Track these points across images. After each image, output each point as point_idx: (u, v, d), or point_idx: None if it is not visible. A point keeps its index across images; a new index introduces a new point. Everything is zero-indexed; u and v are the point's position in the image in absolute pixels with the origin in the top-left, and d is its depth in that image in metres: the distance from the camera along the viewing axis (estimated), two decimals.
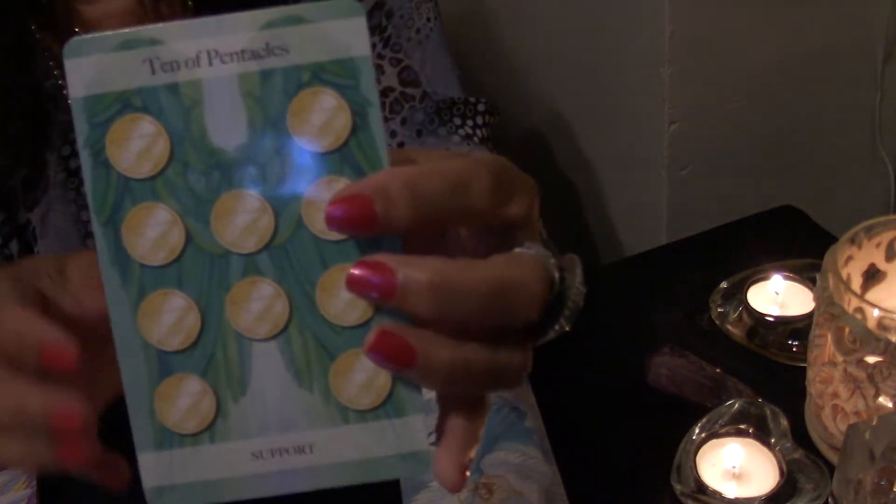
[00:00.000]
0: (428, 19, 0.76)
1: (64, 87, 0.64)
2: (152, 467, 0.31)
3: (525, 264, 0.31)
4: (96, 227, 0.30)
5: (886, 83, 1.07)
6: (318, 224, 0.30)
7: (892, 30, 1.04)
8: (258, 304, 0.30)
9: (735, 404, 0.61)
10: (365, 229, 0.29)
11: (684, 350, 0.67)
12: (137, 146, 0.30)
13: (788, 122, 1.06)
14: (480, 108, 0.77)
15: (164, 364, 0.31)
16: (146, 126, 0.30)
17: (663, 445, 0.60)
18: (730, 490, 0.56)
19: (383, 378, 0.30)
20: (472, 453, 0.32)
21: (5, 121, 0.62)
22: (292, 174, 0.30)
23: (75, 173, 0.63)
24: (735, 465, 0.58)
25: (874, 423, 0.50)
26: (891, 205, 1.13)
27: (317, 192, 0.30)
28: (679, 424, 0.61)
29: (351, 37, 0.29)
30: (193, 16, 0.65)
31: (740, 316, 0.73)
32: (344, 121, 0.30)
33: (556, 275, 0.32)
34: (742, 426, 0.59)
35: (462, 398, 0.32)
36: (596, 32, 1.09)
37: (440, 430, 0.32)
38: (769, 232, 0.86)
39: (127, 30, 0.30)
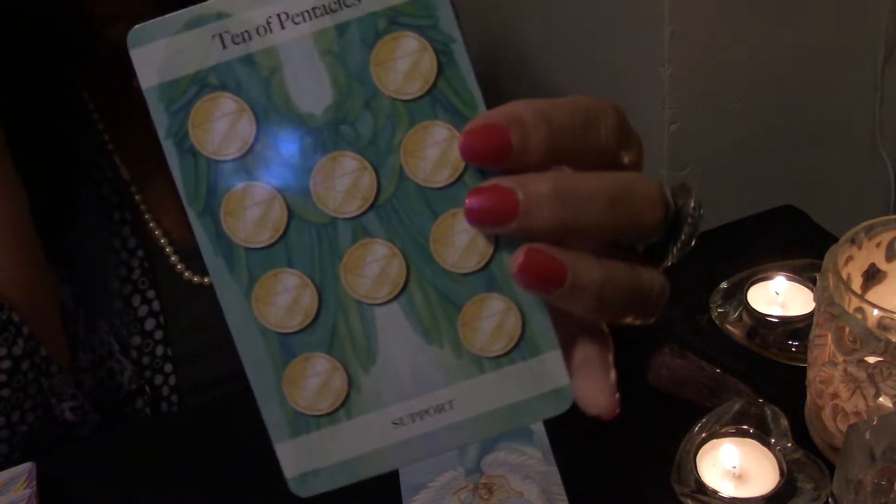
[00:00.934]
0: None
1: (93, 110, 0.64)
2: (292, 456, 0.30)
3: (639, 174, 0.30)
4: (193, 219, 0.29)
5: (886, 83, 1.07)
6: (420, 173, 0.29)
7: (892, 30, 1.04)
8: (373, 266, 0.29)
9: (735, 404, 0.61)
10: (499, 161, 0.28)
11: (684, 350, 0.67)
12: (222, 126, 0.29)
13: (788, 123, 1.06)
14: None
15: (287, 347, 0.30)
16: (227, 104, 0.29)
17: (663, 445, 0.60)
18: (730, 490, 0.56)
19: (513, 320, 0.29)
20: (614, 377, 0.30)
21: (42, 151, 0.62)
22: (386, 126, 0.29)
23: (106, 199, 0.63)
24: (735, 465, 0.57)
25: (874, 423, 0.50)
26: (891, 205, 1.13)
27: (414, 140, 0.29)
28: (679, 424, 0.61)
29: None
30: None
31: (740, 316, 0.72)
32: (429, 62, 0.28)
33: (670, 196, 0.31)
34: (742, 426, 0.59)
35: (587, 332, 0.31)
36: (595, 32, 1.09)
37: (573, 368, 0.30)
38: (769, 232, 0.85)
39: (190, 8, 0.28)
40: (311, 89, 0.29)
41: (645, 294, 0.30)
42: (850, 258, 0.59)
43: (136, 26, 0.28)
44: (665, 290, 0.31)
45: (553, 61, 1.22)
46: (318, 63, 0.29)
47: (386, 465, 0.30)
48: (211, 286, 0.30)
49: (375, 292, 0.29)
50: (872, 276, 0.61)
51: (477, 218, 0.28)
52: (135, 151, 0.66)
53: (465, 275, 0.29)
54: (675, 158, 1.02)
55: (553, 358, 0.30)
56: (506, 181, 0.28)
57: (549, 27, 1.19)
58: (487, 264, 0.29)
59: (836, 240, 0.59)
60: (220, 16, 0.28)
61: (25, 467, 0.61)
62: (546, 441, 0.61)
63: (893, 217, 0.60)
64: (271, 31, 0.28)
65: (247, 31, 0.28)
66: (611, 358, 0.31)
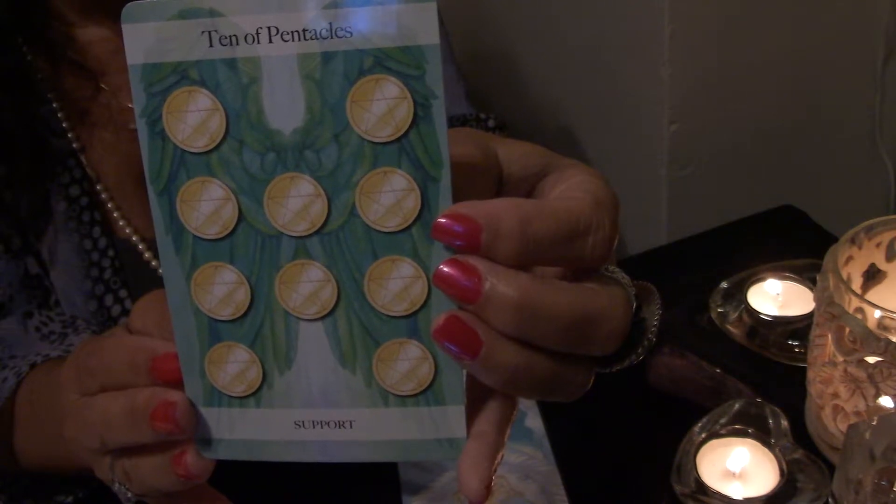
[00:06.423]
0: None
1: (59, 110, 0.64)
2: (201, 421, 0.32)
3: (613, 296, 0.30)
4: (152, 197, 0.31)
5: (886, 83, 1.07)
6: (370, 214, 0.29)
7: (892, 30, 1.04)
8: (307, 286, 0.30)
9: (735, 404, 0.61)
10: (466, 252, 0.29)
11: (684, 350, 0.67)
12: (194, 119, 0.30)
13: (788, 122, 1.06)
14: (491, 123, 0.77)
15: (215, 331, 0.32)
16: (203, 100, 0.29)
17: (663, 445, 0.60)
18: (730, 490, 0.56)
19: (426, 368, 0.30)
20: (498, 460, 0.31)
21: (12, 154, 0.62)
22: (348, 162, 0.29)
23: (76, 201, 0.63)
24: (735, 465, 0.57)
25: (874, 423, 0.50)
26: (891, 205, 1.13)
27: (372, 182, 0.29)
28: (679, 424, 0.61)
29: (420, 24, 0.28)
30: None
31: (740, 316, 0.72)
32: (405, 112, 0.29)
33: (635, 304, 0.31)
34: (742, 426, 0.59)
35: (495, 402, 0.31)
36: (596, 32, 1.09)
37: (469, 433, 0.31)
38: (769, 232, 0.86)
39: None
40: (285, 108, 0.29)
41: (561, 385, 0.30)
42: (850, 258, 0.59)
43: (132, 2, 0.29)
44: (587, 384, 0.31)
45: (553, 61, 1.22)
46: (297, 84, 0.29)
47: (282, 456, 0.32)
48: None
49: (304, 309, 0.31)
50: (872, 276, 0.61)
51: (441, 285, 0.29)
52: (101, 151, 0.66)
53: (391, 317, 0.30)
54: (675, 158, 1.02)
55: (456, 411, 0.31)
56: (483, 267, 0.28)
57: (550, 27, 1.19)
58: (415, 313, 0.30)
59: (836, 240, 0.59)
60: (212, 13, 0.29)
61: None
62: (546, 441, 0.61)
63: (893, 217, 0.60)
64: (258, 42, 0.29)
65: (235, 35, 0.29)
66: (505, 435, 0.31)
